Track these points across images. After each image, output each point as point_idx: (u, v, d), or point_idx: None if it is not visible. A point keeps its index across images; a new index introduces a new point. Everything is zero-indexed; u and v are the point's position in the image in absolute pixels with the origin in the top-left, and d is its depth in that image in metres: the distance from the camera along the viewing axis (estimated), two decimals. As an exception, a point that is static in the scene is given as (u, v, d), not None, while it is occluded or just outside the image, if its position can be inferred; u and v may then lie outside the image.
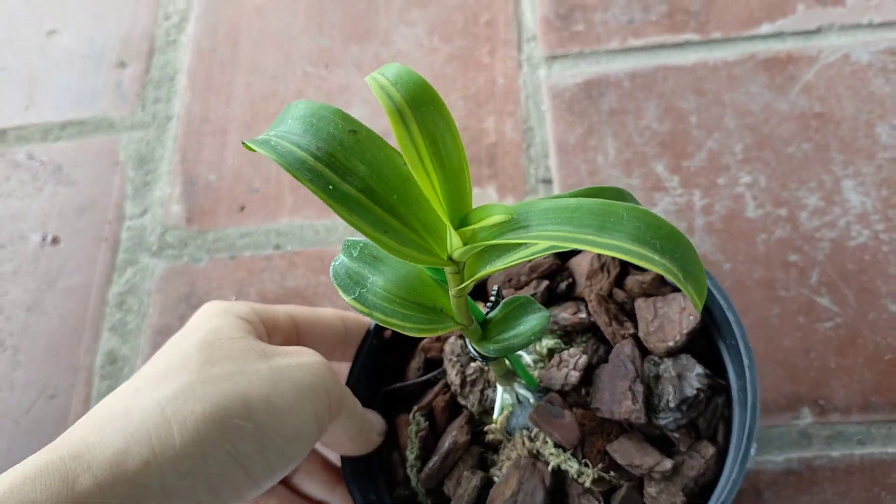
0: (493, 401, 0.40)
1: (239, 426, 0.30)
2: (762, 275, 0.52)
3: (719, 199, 0.55)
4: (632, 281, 0.42)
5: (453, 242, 0.26)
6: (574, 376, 0.38)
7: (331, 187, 0.24)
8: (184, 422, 0.29)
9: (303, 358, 0.34)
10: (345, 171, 0.24)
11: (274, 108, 0.64)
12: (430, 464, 0.39)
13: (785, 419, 0.48)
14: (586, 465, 0.37)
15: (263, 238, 0.58)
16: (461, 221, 0.25)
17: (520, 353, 0.40)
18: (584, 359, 0.39)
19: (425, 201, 0.25)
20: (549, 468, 0.37)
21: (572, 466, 0.37)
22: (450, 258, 0.26)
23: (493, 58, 0.63)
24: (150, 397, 0.30)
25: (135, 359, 0.55)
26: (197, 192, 0.61)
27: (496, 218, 0.22)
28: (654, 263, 0.22)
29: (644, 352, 0.39)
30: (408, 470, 0.41)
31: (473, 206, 0.30)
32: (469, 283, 0.28)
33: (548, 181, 0.57)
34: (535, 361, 0.40)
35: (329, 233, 0.58)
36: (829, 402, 0.48)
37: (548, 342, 0.41)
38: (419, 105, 0.23)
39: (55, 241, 0.60)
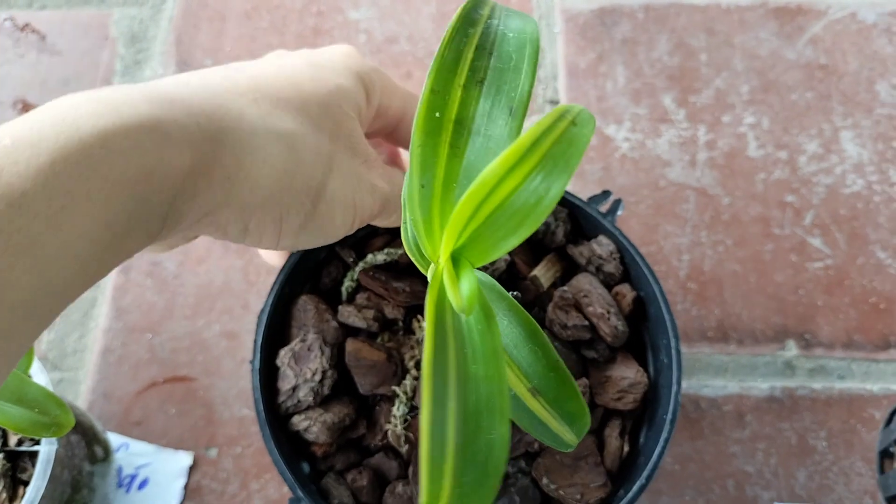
0: None
1: (299, 200, 0.30)
2: (759, 212, 0.53)
3: (723, 136, 0.55)
4: None
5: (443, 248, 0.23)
6: None
7: (437, 115, 0.23)
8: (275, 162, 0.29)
9: (379, 183, 0.33)
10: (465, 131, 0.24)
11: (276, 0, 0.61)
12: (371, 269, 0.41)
13: (771, 349, 0.49)
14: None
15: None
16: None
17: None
18: None
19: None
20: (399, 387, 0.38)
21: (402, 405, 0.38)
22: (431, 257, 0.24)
23: (507, -25, 0.62)
24: (260, 116, 0.29)
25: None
26: (191, 76, 0.58)
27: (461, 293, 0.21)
28: None
29: None
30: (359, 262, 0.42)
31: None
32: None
33: (555, 102, 0.57)
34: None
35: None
36: (815, 337, 0.49)
37: None
38: None
39: (35, 111, 0.57)
